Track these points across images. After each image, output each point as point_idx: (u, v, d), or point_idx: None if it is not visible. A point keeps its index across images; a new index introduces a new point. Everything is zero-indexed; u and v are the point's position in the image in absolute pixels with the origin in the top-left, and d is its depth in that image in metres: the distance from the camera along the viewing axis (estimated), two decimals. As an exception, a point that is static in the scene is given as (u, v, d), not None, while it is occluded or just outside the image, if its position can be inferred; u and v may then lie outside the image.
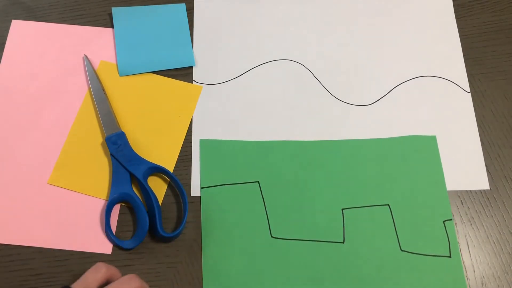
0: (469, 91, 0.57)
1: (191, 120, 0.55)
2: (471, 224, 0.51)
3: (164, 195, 0.52)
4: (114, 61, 0.58)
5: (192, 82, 0.58)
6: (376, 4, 0.62)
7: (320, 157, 0.54)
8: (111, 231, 0.49)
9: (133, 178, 0.51)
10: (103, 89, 0.56)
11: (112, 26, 0.60)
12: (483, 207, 0.52)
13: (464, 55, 0.59)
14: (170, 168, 0.53)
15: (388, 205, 0.51)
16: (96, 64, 0.58)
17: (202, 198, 0.51)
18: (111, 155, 0.52)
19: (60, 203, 0.51)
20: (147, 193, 0.50)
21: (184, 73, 0.58)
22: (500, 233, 0.51)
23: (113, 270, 0.43)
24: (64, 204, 0.51)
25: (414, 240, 0.50)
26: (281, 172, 0.53)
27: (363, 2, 0.63)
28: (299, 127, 0.55)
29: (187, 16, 0.61)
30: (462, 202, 0.52)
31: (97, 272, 0.41)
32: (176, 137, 0.54)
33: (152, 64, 0.58)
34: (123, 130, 0.53)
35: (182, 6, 0.62)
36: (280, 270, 0.49)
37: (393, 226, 0.50)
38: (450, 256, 0.49)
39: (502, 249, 0.50)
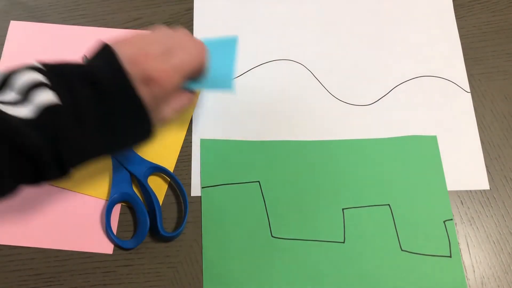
0: (469, 91, 0.57)
1: (191, 120, 0.55)
2: (471, 224, 0.51)
3: (165, 195, 0.52)
4: (114, 61, 0.58)
5: (192, 82, 0.58)
6: (376, 4, 0.62)
7: (320, 157, 0.54)
8: (112, 231, 0.49)
9: (133, 178, 0.51)
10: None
11: (112, 26, 0.60)
12: (483, 207, 0.52)
13: (464, 55, 0.59)
14: (170, 168, 0.53)
15: (388, 205, 0.51)
16: (96, 64, 0.58)
17: (202, 198, 0.51)
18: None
19: (60, 203, 0.51)
20: (148, 193, 0.50)
21: (184, 73, 0.58)
22: (500, 233, 0.51)
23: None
24: (64, 204, 0.51)
25: (415, 240, 0.50)
26: (281, 172, 0.53)
27: (363, 2, 0.63)
28: (299, 127, 0.55)
29: (187, 16, 0.61)
30: (462, 202, 0.52)
31: None
32: (176, 137, 0.54)
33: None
34: (123, 130, 0.53)
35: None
36: (281, 270, 0.49)
37: (394, 226, 0.50)
38: (450, 256, 0.49)
39: (502, 249, 0.50)
